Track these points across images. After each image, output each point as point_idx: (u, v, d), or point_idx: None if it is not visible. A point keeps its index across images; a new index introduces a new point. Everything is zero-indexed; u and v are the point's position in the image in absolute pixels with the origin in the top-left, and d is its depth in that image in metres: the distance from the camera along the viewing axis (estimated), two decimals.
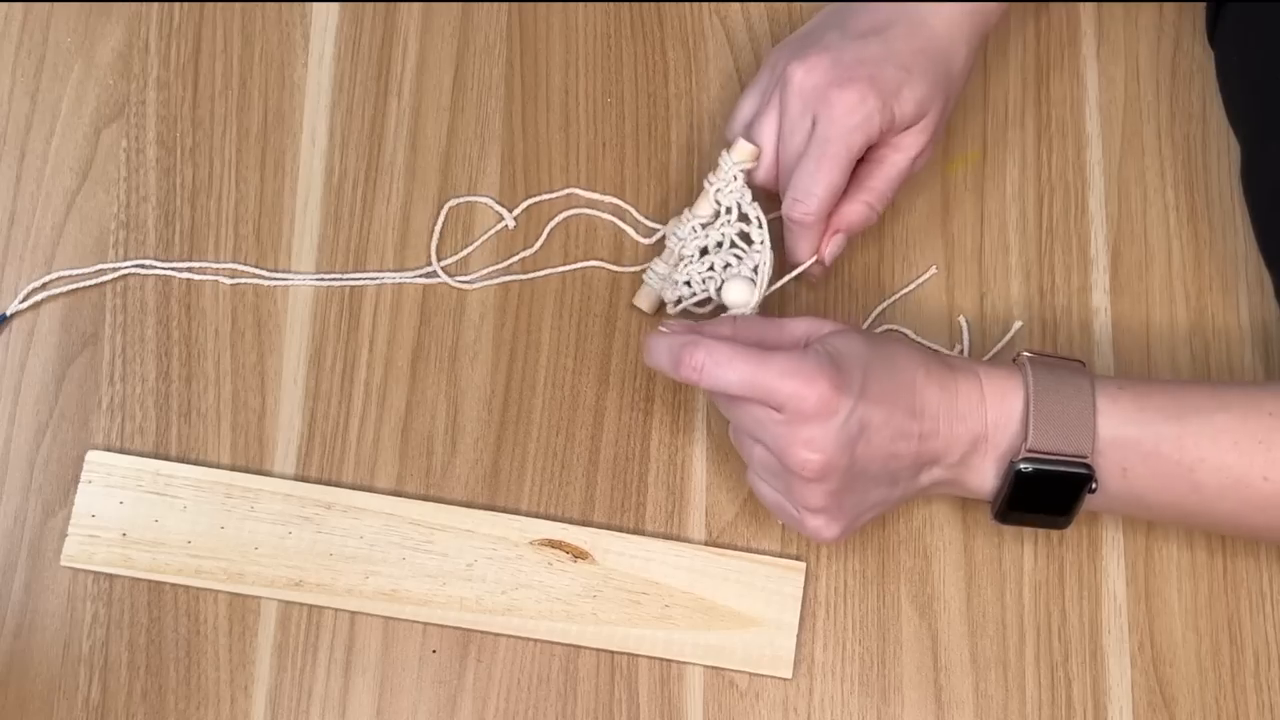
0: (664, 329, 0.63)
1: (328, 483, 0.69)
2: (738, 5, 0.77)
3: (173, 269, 0.71)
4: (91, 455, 0.68)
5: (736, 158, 0.67)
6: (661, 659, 0.67)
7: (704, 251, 0.69)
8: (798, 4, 0.77)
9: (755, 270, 0.68)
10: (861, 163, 0.67)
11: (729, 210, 0.69)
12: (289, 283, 0.72)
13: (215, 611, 0.67)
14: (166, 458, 0.69)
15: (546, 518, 0.69)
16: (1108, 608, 0.69)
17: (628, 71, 0.76)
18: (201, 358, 0.70)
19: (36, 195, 0.72)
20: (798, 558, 0.68)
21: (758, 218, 0.68)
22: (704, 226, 0.69)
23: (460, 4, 0.76)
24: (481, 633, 0.67)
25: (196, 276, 0.71)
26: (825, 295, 0.73)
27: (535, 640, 0.67)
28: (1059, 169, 0.75)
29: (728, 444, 0.70)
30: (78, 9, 0.75)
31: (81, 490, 0.67)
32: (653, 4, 0.77)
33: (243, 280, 0.71)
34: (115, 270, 0.71)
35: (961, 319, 0.72)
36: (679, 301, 0.70)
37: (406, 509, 0.68)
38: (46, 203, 0.72)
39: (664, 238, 0.71)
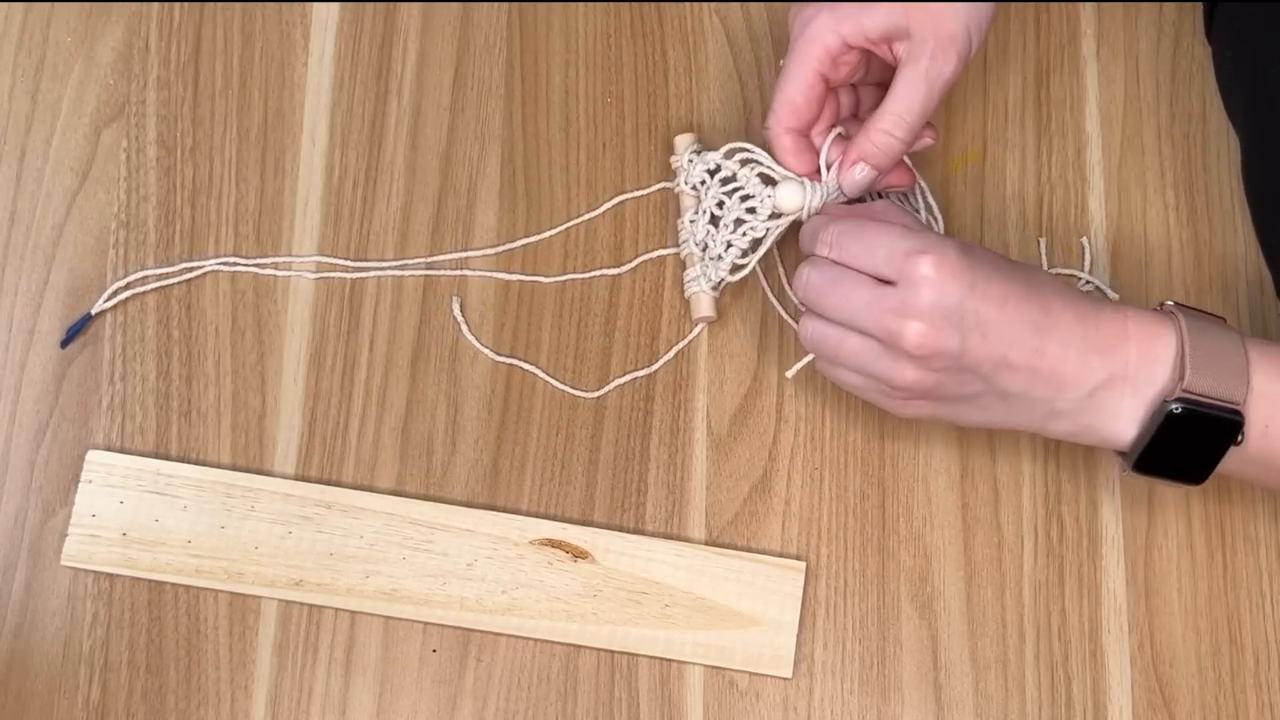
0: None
1: (328, 482, 0.69)
2: (738, 5, 0.77)
3: (256, 265, 0.71)
4: (92, 455, 0.68)
5: (679, 150, 0.71)
6: (661, 658, 0.67)
7: (714, 222, 0.70)
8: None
9: (770, 176, 0.68)
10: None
11: (703, 183, 0.70)
12: (374, 274, 0.72)
13: (215, 611, 0.67)
14: (167, 457, 0.69)
15: (546, 517, 0.69)
16: (1108, 608, 0.69)
17: (628, 71, 0.76)
18: (201, 357, 0.70)
19: (36, 195, 0.72)
20: (798, 558, 0.68)
21: (719, 161, 0.69)
22: (695, 214, 0.70)
23: (460, 4, 0.76)
24: (481, 632, 0.67)
25: (280, 273, 0.71)
26: None
27: (535, 640, 0.67)
28: (1059, 169, 0.75)
29: (728, 444, 0.70)
30: (78, 9, 0.75)
31: (82, 490, 0.68)
32: (653, 4, 0.77)
33: (326, 275, 0.71)
34: (200, 268, 0.71)
35: (1084, 240, 0.74)
36: (735, 270, 0.69)
37: (406, 509, 0.68)
38: (46, 202, 0.72)
39: (680, 255, 0.72)
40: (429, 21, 0.76)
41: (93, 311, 0.70)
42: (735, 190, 0.69)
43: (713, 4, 0.77)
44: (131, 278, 0.71)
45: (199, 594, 0.67)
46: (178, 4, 0.75)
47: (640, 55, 0.76)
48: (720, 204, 0.69)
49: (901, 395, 0.62)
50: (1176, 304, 0.62)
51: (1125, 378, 0.61)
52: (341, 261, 0.72)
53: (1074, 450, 0.70)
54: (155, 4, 0.75)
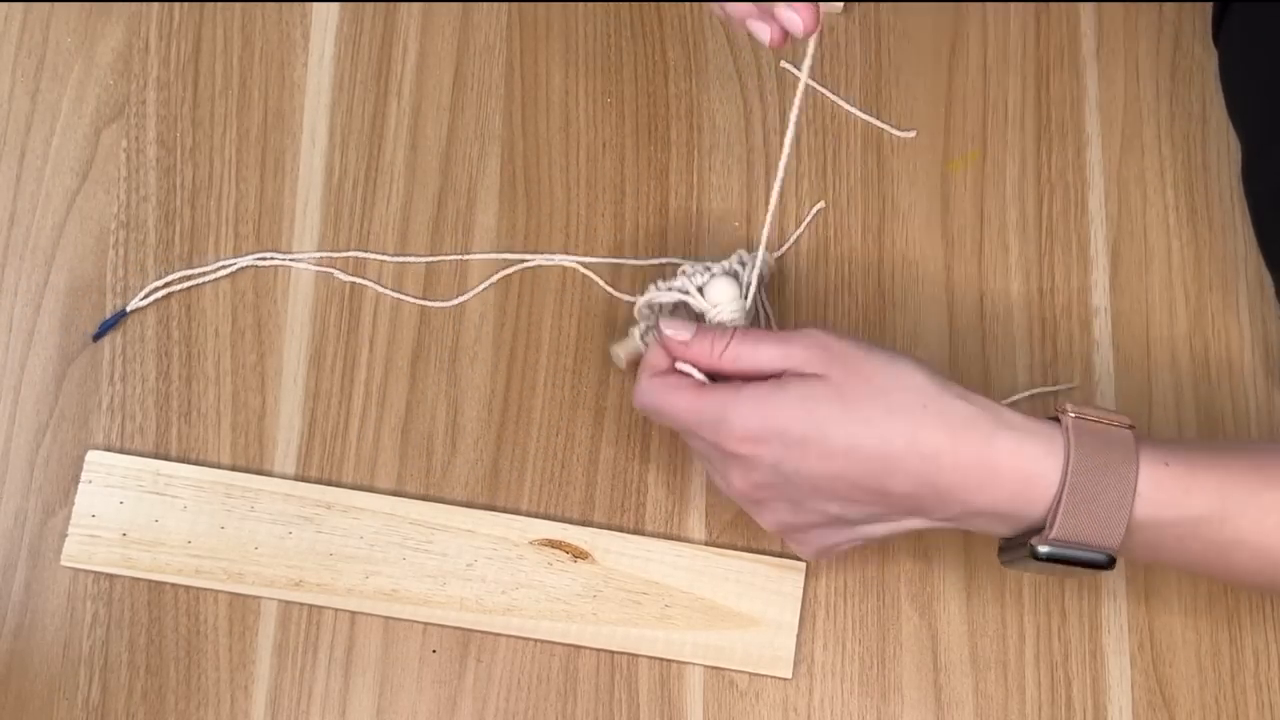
0: (663, 332, 0.62)
1: (328, 483, 0.69)
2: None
3: (292, 260, 0.71)
4: (91, 455, 0.68)
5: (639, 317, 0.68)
6: (661, 659, 0.67)
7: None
8: None
9: (740, 271, 0.67)
10: None
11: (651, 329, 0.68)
12: (416, 260, 0.72)
13: (215, 611, 0.67)
14: (166, 458, 0.69)
15: (546, 518, 0.69)
16: (1108, 607, 0.69)
17: (628, 71, 0.76)
18: (201, 358, 0.70)
19: (36, 195, 0.72)
20: (798, 558, 0.68)
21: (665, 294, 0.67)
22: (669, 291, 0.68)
23: (460, 4, 0.76)
24: (481, 633, 0.67)
25: (314, 268, 0.71)
26: (823, 292, 0.73)
27: (535, 640, 0.67)
28: (1059, 169, 0.75)
29: None
30: (78, 9, 0.75)
31: (81, 490, 0.67)
32: (653, 4, 0.77)
33: (355, 279, 0.71)
34: (234, 264, 0.71)
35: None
36: (645, 333, 0.68)
37: (406, 509, 0.68)
38: (46, 203, 0.72)
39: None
40: (429, 21, 0.76)
41: (128, 309, 0.70)
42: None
43: (712, 4, 0.77)
44: (170, 277, 0.71)
45: (199, 594, 0.67)
46: (178, 4, 0.75)
47: (640, 55, 0.76)
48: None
49: (771, 525, 0.62)
50: (1075, 416, 0.57)
51: (993, 513, 0.58)
52: (379, 257, 0.72)
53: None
54: (155, 4, 0.75)
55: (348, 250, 0.72)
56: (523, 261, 0.72)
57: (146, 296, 0.71)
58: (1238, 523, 0.57)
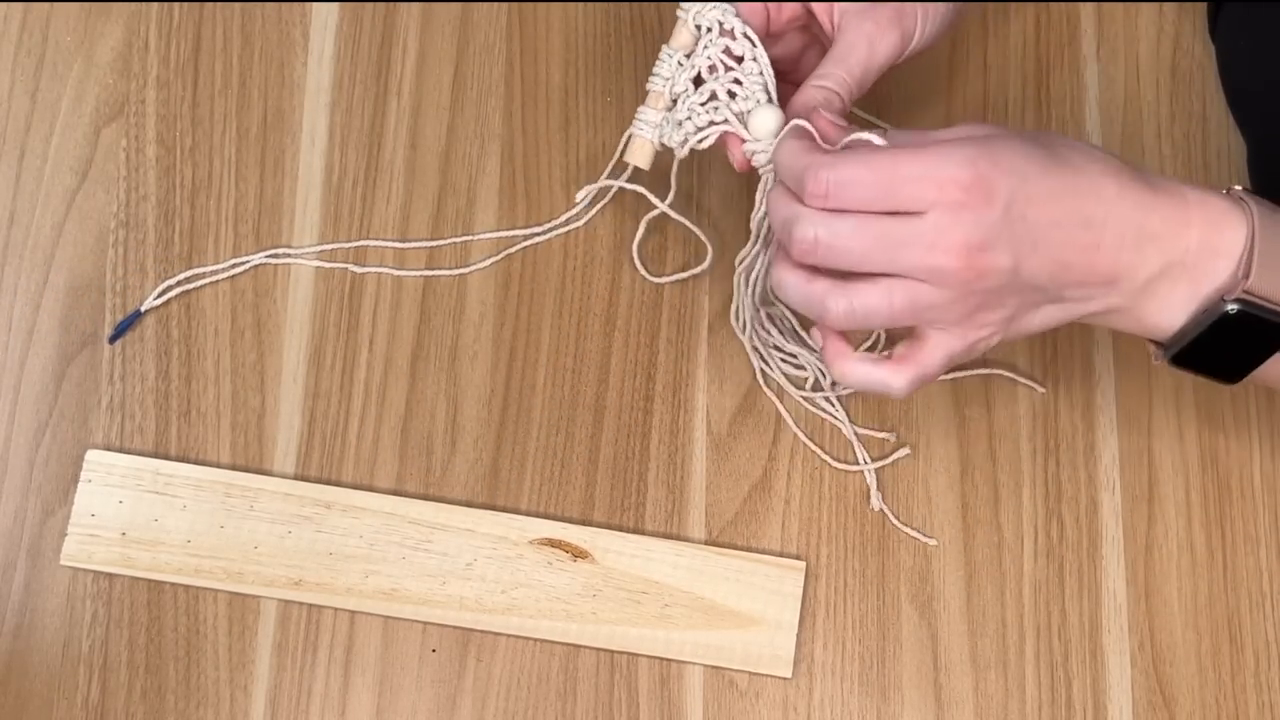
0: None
1: (328, 482, 0.69)
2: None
3: (304, 252, 0.71)
4: (91, 454, 0.68)
5: None
6: (661, 658, 0.67)
7: (696, 82, 0.64)
8: None
9: (766, 90, 0.63)
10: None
11: (709, 29, 0.63)
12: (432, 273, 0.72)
13: (215, 611, 0.67)
14: (166, 457, 0.69)
15: (546, 517, 0.69)
16: (1108, 607, 0.69)
17: (628, 71, 0.76)
18: (201, 357, 0.70)
19: (36, 194, 0.72)
20: (798, 557, 0.68)
21: (744, 33, 0.63)
22: (687, 57, 0.64)
23: (460, 4, 0.76)
24: (481, 632, 0.67)
25: (326, 264, 0.71)
26: None
27: (535, 640, 0.67)
28: None
29: (728, 444, 0.70)
30: (77, 8, 0.75)
31: (81, 489, 0.67)
32: (653, 4, 0.77)
33: (370, 269, 0.71)
34: (246, 262, 0.71)
35: None
36: (684, 142, 0.65)
37: (406, 508, 0.68)
38: (46, 202, 0.72)
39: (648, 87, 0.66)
40: (429, 21, 0.76)
41: (142, 309, 0.70)
42: (729, 70, 0.63)
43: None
44: (181, 275, 0.71)
45: (198, 594, 0.67)
46: (177, 4, 0.75)
47: (640, 55, 0.76)
48: (711, 68, 0.63)
49: (972, 326, 0.56)
50: (1246, 190, 0.57)
51: (1184, 265, 0.55)
52: (387, 244, 0.72)
53: (1074, 450, 0.70)
54: (155, 4, 0.75)
55: (352, 240, 0.72)
56: (530, 238, 0.72)
57: (161, 295, 0.71)
58: None
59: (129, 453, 0.69)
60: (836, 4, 0.62)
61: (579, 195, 0.72)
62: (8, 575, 0.67)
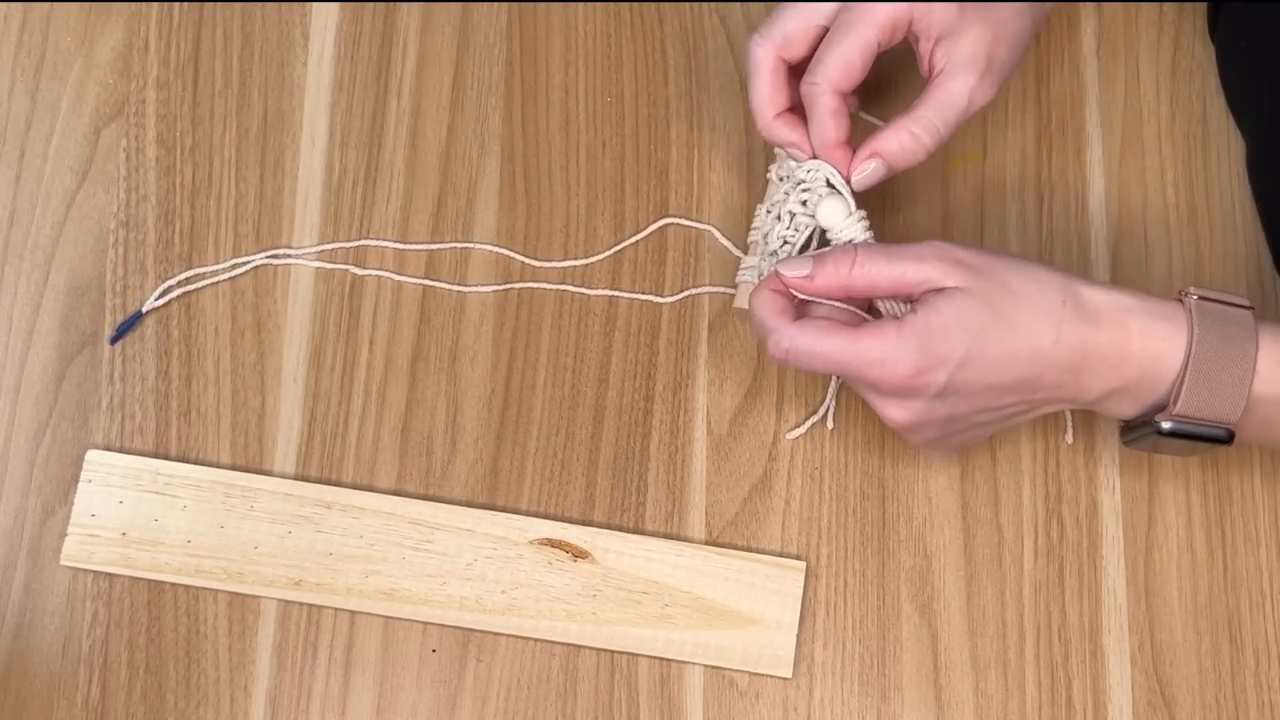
0: (774, 277, 0.62)
1: (328, 482, 0.69)
2: (738, 5, 0.77)
3: (305, 252, 0.71)
4: (91, 454, 0.68)
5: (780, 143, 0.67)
6: (661, 658, 0.67)
7: (778, 219, 0.68)
8: None
9: (828, 183, 0.65)
10: (918, 98, 0.65)
11: (784, 178, 0.67)
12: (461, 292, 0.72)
13: (215, 611, 0.67)
14: (166, 457, 0.69)
15: (546, 517, 0.69)
16: (1108, 608, 0.69)
17: (628, 71, 0.76)
18: (201, 357, 0.70)
19: (36, 194, 0.72)
20: (798, 557, 0.68)
21: (809, 171, 0.66)
22: (770, 205, 0.68)
23: (460, 4, 0.76)
24: (481, 632, 0.67)
25: (328, 265, 0.71)
26: None
27: (535, 640, 0.67)
28: (1059, 169, 0.75)
29: (728, 444, 0.70)
30: (77, 8, 0.75)
31: (81, 490, 0.67)
32: (653, 4, 0.77)
33: (371, 272, 0.71)
34: (248, 263, 0.71)
35: None
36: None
37: (406, 508, 0.68)
38: (46, 202, 0.72)
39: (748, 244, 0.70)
40: (429, 21, 0.76)
41: (144, 309, 0.70)
42: (801, 189, 0.66)
43: (712, 4, 0.77)
44: (182, 275, 0.71)
45: (198, 594, 0.67)
46: (177, 4, 0.75)
47: (640, 55, 0.76)
48: (786, 199, 0.67)
49: (920, 439, 0.63)
50: (1198, 299, 0.60)
51: (1124, 390, 0.60)
52: (388, 244, 0.72)
53: (1074, 450, 0.70)
54: (155, 4, 0.75)
55: (351, 240, 0.72)
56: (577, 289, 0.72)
57: (161, 296, 0.71)
58: None
59: (129, 453, 0.69)
60: (943, 46, 0.64)
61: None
62: (8, 575, 0.67)
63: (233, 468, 0.69)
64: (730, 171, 0.74)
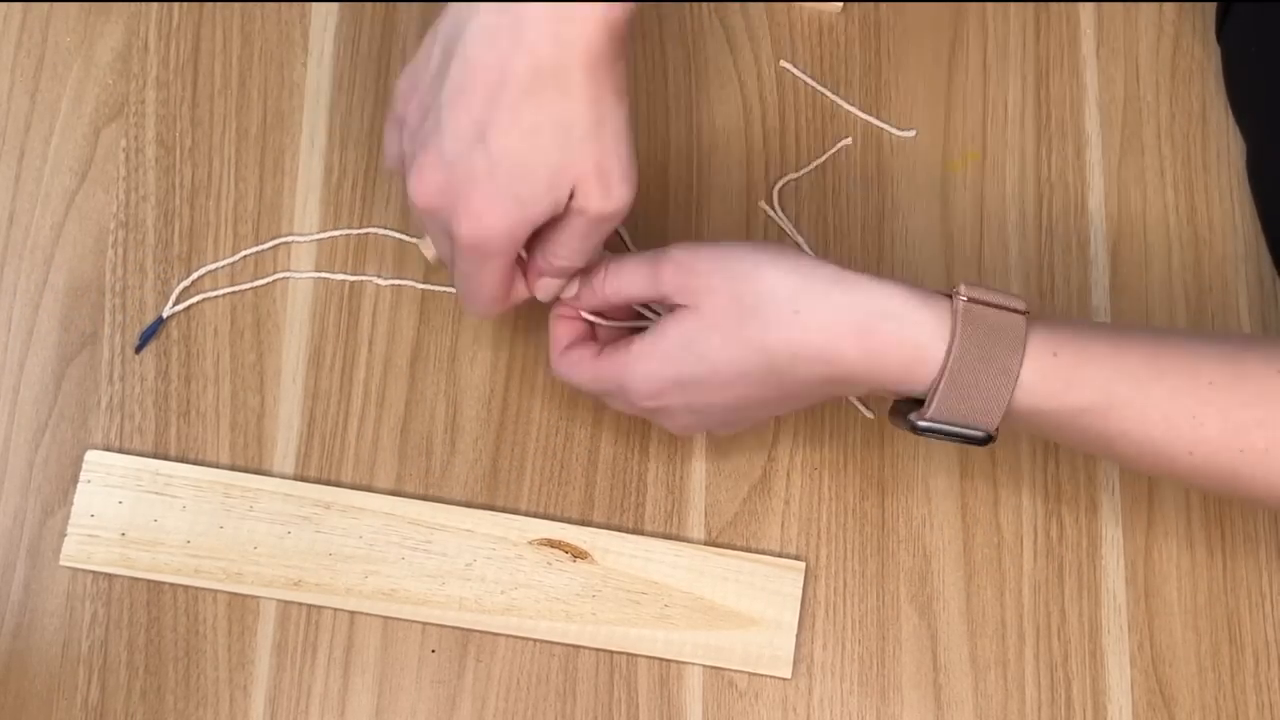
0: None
1: (327, 482, 0.69)
2: (737, 5, 0.77)
3: (325, 275, 0.72)
4: (90, 455, 0.68)
5: None
6: (661, 659, 0.67)
7: None
8: (797, 4, 0.77)
9: None
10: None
11: None
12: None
13: (214, 611, 0.67)
14: (165, 457, 0.69)
15: (546, 517, 0.69)
16: (1108, 608, 0.69)
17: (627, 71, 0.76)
18: (200, 357, 0.70)
19: (36, 195, 0.72)
20: (798, 557, 0.68)
21: None
22: None
23: None
24: (481, 632, 0.67)
25: (353, 277, 0.71)
26: None
27: (535, 640, 0.67)
28: (1059, 169, 0.75)
29: (728, 444, 0.70)
30: (77, 8, 0.75)
31: (80, 490, 0.67)
32: (652, 4, 0.77)
33: (394, 281, 0.71)
34: (270, 279, 0.71)
35: None
36: None
37: (406, 509, 0.68)
38: (46, 202, 0.72)
39: None
40: (429, 21, 0.76)
41: (164, 315, 0.70)
42: None
43: (712, 4, 0.77)
44: (196, 275, 0.71)
45: (198, 594, 0.67)
46: (177, 4, 0.75)
47: (640, 55, 0.76)
48: None
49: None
50: (967, 301, 0.57)
51: (884, 386, 0.58)
52: (392, 234, 0.72)
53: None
54: (155, 4, 0.75)
55: (351, 229, 0.72)
56: None
57: (176, 302, 0.71)
58: (1122, 415, 0.57)
59: (129, 453, 0.69)
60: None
61: None
62: (7, 575, 0.67)
63: (232, 468, 0.69)
64: (730, 172, 0.74)
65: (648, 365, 0.59)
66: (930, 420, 0.57)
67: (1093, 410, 0.57)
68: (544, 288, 0.62)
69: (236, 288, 0.71)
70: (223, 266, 0.71)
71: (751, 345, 0.57)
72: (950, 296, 0.57)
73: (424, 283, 0.72)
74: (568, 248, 0.59)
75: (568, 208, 0.56)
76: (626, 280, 0.61)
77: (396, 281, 0.72)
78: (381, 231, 0.72)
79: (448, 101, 0.54)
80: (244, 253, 0.72)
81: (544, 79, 0.53)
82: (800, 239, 0.73)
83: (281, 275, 0.71)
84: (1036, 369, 0.57)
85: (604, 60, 0.54)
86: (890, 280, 0.58)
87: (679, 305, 0.59)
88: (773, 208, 0.73)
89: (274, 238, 0.72)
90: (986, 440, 0.58)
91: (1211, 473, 0.57)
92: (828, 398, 0.63)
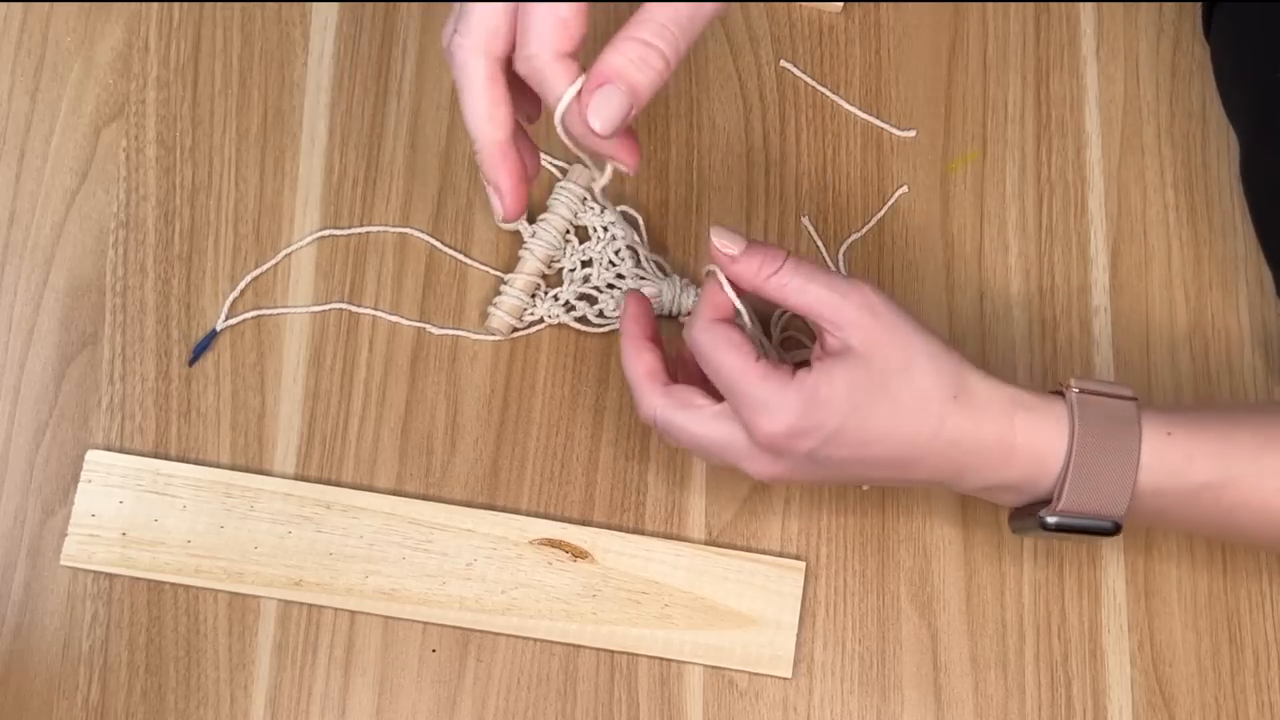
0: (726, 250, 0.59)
1: (328, 482, 0.69)
2: (737, 5, 0.77)
3: (375, 312, 0.71)
4: (91, 455, 0.68)
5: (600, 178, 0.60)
6: (661, 658, 0.67)
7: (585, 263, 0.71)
8: (797, 4, 0.77)
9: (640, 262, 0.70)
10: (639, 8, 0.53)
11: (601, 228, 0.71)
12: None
13: (215, 611, 0.67)
14: (166, 457, 0.69)
15: (546, 517, 0.69)
16: (1108, 607, 0.69)
17: None
18: (201, 357, 0.70)
19: (36, 195, 0.72)
20: (798, 557, 0.68)
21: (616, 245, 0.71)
22: (567, 237, 0.71)
23: (460, 4, 0.76)
24: (481, 632, 0.67)
25: (320, 308, 0.72)
26: None
27: (535, 640, 0.67)
28: (1059, 169, 0.75)
29: None
30: (77, 8, 0.75)
31: (81, 490, 0.67)
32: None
33: (365, 310, 0.71)
34: (322, 307, 0.71)
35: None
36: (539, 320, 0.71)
37: (406, 508, 0.68)
38: (46, 202, 0.72)
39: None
40: (429, 21, 0.76)
41: (217, 328, 0.70)
42: (612, 264, 0.71)
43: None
44: (242, 285, 0.71)
45: (198, 594, 0.67)
46: (177, 4, 0.75)
47: None
48: (590, 261, 0.71)
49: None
50: (1080, 392, 0.59)
51: (1005, 487, 0.60)
52: (391, 230, 0.72)
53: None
54: (155, 4, 0.75)
55: (350, 229, 0.72)
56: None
57: (228, 318, 0.71)
58: (1239, 487, 0.59)
59: (129, 453, 0.69)
60: None
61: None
62: (8, 575, 0.67)
63: (233, 468, 0.69)
64: (730, 172, 0.74)
65: (807, 406, 0.57)
66: (1061, 514, 0.59)
67: (1212, 485, 0.59)
68: (606, 102, 0.50)
69: (292, 309, 0.71)
70: (265, 271, 0.71)
71: (904, 412, 0.58)
72: (1062, 392, 0.60)
73: (423, 283, 0.72)
74: (673, 20, 0.50)
75: None
76: (804, 283, 0.58)
77: (370, 311, 0.72)
78: (379, 230, 0.72)
79: None
80: (284, 252, 0.72)
81: None
82: (832, 261, 0.73)
83: (332, 307, 0.71)
84: (1154, 450, 0.59)
85: None
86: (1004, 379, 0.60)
87: (843, 349, 0.58)
88: (836, 264, 0.73)
89: (277, 253, 0.72)
90: (1115, 530, 0.59)
91: None
92: (933, 484, 0.61)
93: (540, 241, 0.70)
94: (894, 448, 0.58)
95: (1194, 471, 0.59)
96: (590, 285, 0.70)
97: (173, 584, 0.67)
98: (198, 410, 0.70)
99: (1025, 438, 0.58)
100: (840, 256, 0.73)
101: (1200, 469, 0.59)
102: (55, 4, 0.75)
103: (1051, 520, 0.59)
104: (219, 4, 0.76)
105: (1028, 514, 0.61)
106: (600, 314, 0.70)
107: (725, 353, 0.58)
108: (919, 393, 0.58)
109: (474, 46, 0.53)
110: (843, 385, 0.57)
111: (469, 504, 0.69)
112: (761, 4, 0.77)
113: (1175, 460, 0.59)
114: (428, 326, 0.71)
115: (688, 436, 0.60)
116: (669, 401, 0.60)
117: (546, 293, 0.71)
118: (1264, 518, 0.59)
